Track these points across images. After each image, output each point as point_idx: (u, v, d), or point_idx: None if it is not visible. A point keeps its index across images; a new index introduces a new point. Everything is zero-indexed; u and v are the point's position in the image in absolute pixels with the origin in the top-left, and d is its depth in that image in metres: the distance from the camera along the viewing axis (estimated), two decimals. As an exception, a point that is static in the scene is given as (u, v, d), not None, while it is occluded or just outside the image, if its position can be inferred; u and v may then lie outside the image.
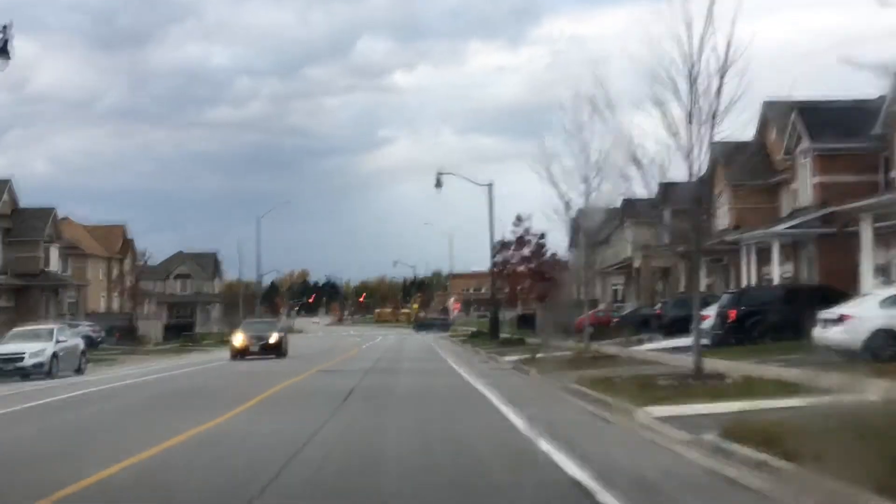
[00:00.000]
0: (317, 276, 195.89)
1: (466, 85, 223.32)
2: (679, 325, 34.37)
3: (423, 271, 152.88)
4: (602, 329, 44.20)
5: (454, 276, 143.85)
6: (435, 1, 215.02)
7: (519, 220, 34.89)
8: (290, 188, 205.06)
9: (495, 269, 38.47)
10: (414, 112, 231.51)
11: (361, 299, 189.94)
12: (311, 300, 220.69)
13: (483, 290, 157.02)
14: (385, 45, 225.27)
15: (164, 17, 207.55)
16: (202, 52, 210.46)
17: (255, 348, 35.80)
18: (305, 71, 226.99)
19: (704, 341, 29.02)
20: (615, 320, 45.35)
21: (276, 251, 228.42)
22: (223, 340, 59.48)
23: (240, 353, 35.59)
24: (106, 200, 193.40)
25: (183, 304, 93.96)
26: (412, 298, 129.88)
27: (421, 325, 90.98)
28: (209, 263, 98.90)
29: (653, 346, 30.75)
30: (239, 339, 36.65)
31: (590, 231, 26.78)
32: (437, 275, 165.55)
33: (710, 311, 29.11)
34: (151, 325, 71.22)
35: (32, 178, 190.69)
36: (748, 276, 35.86)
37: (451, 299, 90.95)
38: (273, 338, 36.81)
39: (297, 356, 36.45)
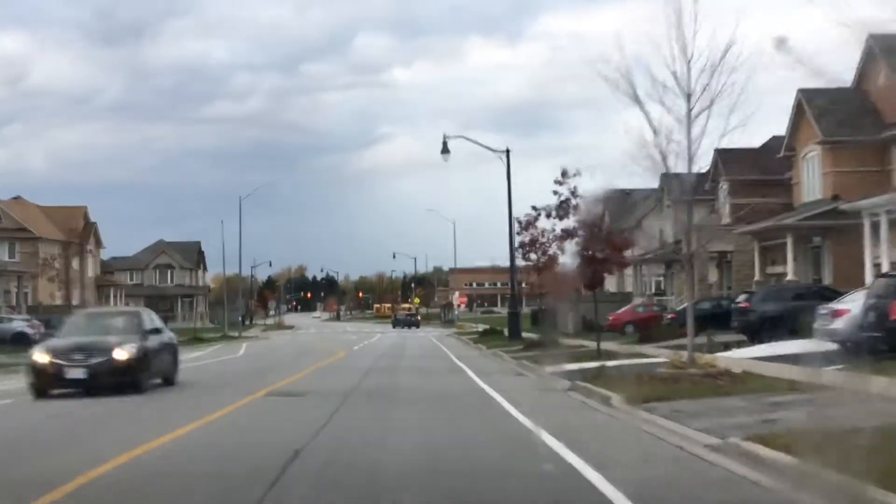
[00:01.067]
0: (316, 272, 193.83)
1: (465, 81, 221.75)
2: (773, 324, 25.56)
3: (423, 267, 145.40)
4: (643, 327, 35.35)
5: (456, 271, 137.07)
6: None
7: (564, 176, 25.43)
8: (290, 183, 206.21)
9: (526, 246, 28.99)
10: (413, 108, 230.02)
11: (360, 295, 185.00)
12: (308, 296, 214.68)
13: (486, 286, 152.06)
14: (383, 42, 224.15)
15: (163, 12, 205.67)
16: (202, 48, 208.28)
17: (75, 374, 16.82)
18: (304, 67, 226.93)
19: (829, 344, 20.22)
20: (670, 316, 36.32)
21: (274, 246, 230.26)
22: (197, 338, 51.03)
23: (44, 386, 17.08)
24: (104, 195, 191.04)
25: (163, 297, 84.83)
26: (412, 293, 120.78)
27: (398, 321, 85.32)
28: (193, 254, 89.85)
29: (754, 354, 21.54)
30: (42, 357, 17.21)
31: (686, 187, 17.65)
32: (437, 270, 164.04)
33: (848, 305, 20.16)
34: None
35: (31, 172, 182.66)
36: (871, 256, 26.62)
37: (456, 293, 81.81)
38: (124, 350, 17.14)
39: (215, 380, 21.98)
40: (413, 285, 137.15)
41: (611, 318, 38.78)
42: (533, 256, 29.69)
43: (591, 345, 25.97)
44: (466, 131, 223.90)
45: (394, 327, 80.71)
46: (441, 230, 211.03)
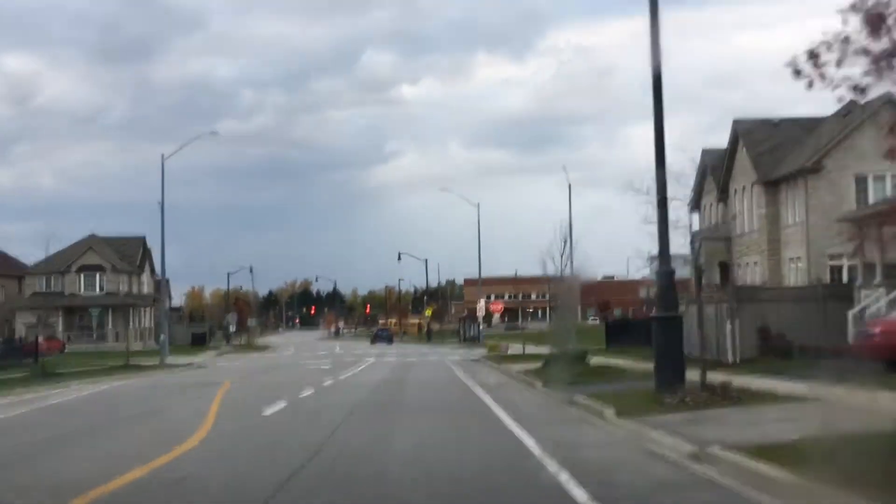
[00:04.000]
0: (323, 287, 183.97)
1: (472, 97, 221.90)
2: None
3: (434, 278, 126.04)
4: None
5: (470, 282, 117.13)
6: (438, 13, 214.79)
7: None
8: (298, 200, 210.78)
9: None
10: (420, 125, 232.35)
11: (368, 310, 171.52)
12: (312, 311, 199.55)
13: (507, 297, 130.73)
14: (389, 58, 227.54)
15: (169, 30, 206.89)
16: (207, 65, 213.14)
17: None
18: (311, 84, 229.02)
19: None
20: None
21: (280, 262, 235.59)
22: (128, 366, 34.45)
23: None
24: (116, 214, 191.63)
25: (83, 307, 63.61)
26: (426, 307, 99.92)
27: (377, 337, 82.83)
28: (133, 253, 68.81)
29: None
30: None
31: None
32: (450, 283, 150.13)
33: None
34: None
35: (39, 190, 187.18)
36: None
37: (481, 301, 60.04)
38: None
39: None
40: (425, 298, 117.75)
41: (875, 328, 17.56)
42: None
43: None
44: (475, 147, 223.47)
45: (372, 343, 78.11)
46: (454, 243, 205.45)
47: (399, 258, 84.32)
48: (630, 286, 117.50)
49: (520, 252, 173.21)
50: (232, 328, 74.80)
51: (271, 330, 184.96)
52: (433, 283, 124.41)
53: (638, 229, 27.59)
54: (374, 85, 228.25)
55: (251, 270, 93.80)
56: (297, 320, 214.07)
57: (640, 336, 38.47)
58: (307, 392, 22.13)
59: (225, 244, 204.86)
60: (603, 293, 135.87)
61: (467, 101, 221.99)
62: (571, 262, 32.20)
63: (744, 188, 43.38)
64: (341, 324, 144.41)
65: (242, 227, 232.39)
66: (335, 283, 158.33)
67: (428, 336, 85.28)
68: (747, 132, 42.68)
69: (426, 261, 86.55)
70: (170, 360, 46.12)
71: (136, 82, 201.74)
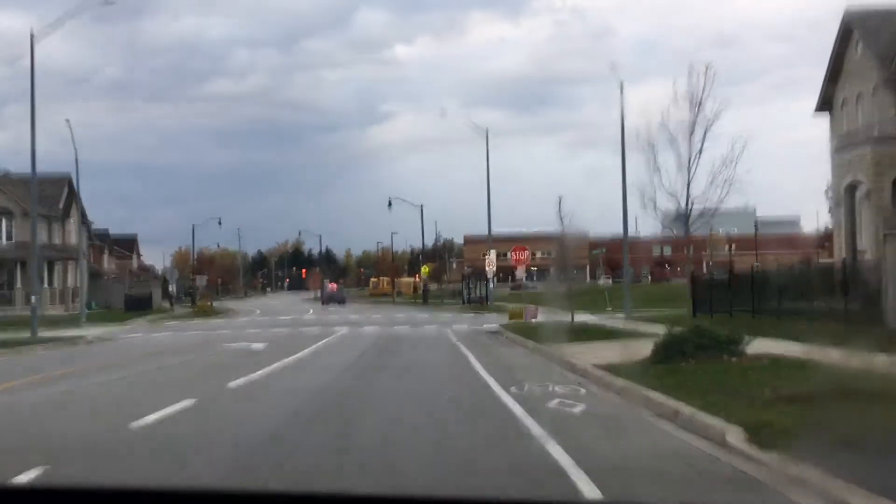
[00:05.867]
0: (318, 248, 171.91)
1: (468, 57, 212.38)
2: None
3: (430, 239, 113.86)
4: None
5: (472, 240, 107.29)
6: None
7: None
8: (292, 161, 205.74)
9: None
10: (416, 86, 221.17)
11: (362, 271, 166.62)
12: (304, 273, 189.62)
13: (542, 255, 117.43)
14: (383, 17, 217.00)
15: None
16: (199, 24, 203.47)
17: None
18: (304, 43, 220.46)
19: None
20: None
21: (274, 224, 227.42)
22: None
23: None
24: (108, 174, 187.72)
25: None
26: (422, 266, 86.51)
27: (328, 298, 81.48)
28: (56, 195, 55.03)
29: None
30: None
31: None
32: (448, 243, 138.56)
33: None
34: None
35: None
36: None
37: (493, 254, 45.72)
38: None
39: None
40: (420, 257, 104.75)
41: None
42: None
43: None
44: (471, 108, 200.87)
45: (323, 305, 75.58)
46: (452, 204, 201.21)
47: (390, 205, 70.60)
48: (642, 245, 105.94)
49: (517, 213, 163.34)
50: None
51: (259, 292, 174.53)
52: (431, 244, 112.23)
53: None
54: (368, 45, 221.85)
55: (220, 223, 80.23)
56: (288, 281, 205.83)
57: (739, 298, 25.47)
58: (150, 418, 9.09)
59: (218, 206, 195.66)
60: (609, 252, 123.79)
61: (462, 62, 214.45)
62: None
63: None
64: (334, 286, 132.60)
65: (236, 188, 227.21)
66: (320, 239, 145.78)
67: (424, 297, 72.40)
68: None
69: (422, 207, 72.90)
70: (68, 331, 33.97)
71: (128, 41, 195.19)
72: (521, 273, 29.53)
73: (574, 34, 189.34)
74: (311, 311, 60.52)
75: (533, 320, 28.22)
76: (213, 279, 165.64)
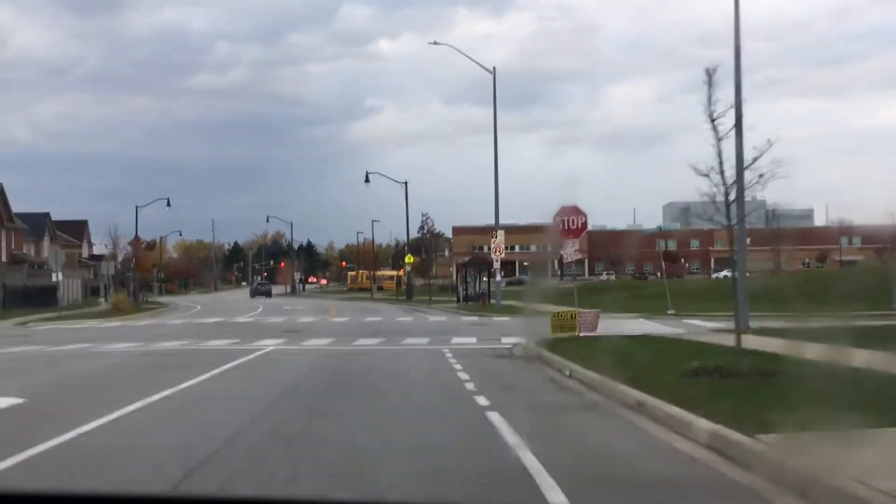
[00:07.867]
0: (299, 240, 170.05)
1: (452, 53, 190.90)
2: None
3: (416, 221, 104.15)
4: None
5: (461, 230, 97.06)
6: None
7: None
8: (274, 155, 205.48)
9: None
10: (400, 81, 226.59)
11: (343, 264, 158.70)
12: (282, 265, 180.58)
13: (534, 248, 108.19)
14: (368, 11, 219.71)
15: None
16: (181, 16, 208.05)
17: None
18: (288, 37, 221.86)
19: None
20: None
21: (257, 217, 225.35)
22: None
23: None
24: (90, 168, 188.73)
25: None
26: (407, 255, 74.99)
27: (256, 291, 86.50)
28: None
29: None
30: None
31: None
32: (435, 237, 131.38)
33: None
34: None
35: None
36: None
37: (502, 233, 33.94)
38: None
39: None
40: (405, 247, 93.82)
41: None
42: None
43: None
44: (455, 104, 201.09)
45: (252, 297, 79.82)
46: (438, 199, 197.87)
47: (367, 179, 58.64)
48: (645, 239, 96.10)
49: (505, 208, 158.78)
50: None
51: (234, 285, 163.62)
52: (417, 236, 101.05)
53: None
54: (352, 39, 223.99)
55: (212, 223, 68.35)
56: (265, 274, 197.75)
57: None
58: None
59: (202, 199, 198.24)
60: (609, 246, 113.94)
61: (447, 57, 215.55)
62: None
63: None
64: (314, 279, 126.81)
65: (219, 182, 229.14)
66: (291, 227, 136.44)
67: (408, 293, 60.80)
68: None
69: (406, 184, 61.12)
70: None
71: (106, 32, 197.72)
72: (571, 251, 17.63)
73: (558, 30, 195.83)
74: (261, 308, 48.47)
75: (590, 333, 16.68)
76: (187, 271, 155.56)
